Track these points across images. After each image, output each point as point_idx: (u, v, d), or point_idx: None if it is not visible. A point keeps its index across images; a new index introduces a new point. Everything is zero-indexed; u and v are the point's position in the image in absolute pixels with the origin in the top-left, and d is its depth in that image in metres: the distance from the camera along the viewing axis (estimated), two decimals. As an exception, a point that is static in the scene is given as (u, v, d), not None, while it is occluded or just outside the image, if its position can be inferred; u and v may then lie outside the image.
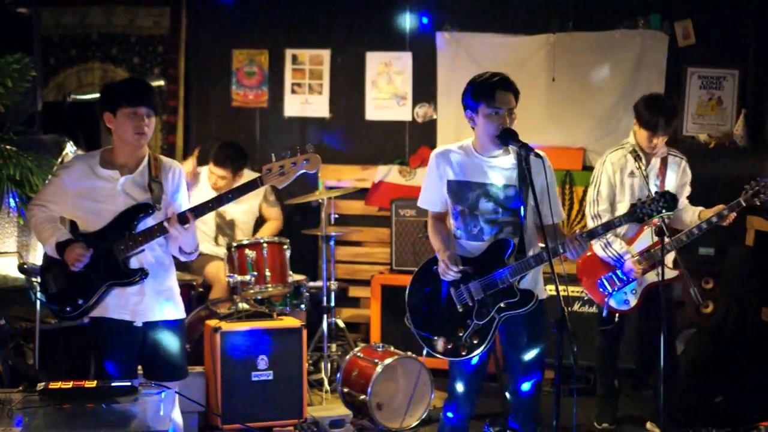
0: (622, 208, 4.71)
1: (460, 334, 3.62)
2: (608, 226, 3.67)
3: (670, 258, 4.66)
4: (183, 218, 3.56)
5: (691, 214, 4.71)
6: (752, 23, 6.14)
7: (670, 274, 4.65)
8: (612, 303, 4.72)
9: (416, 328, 3.72)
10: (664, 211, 3.46)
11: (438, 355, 3.67)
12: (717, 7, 6.18)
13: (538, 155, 3.45)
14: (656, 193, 3.54)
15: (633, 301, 4.71)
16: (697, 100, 6.26)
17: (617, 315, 4.77)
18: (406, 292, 3.77)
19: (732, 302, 5.54)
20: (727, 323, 5.56)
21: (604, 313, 4.75)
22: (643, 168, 4.71)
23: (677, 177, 4.75)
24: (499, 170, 3.63)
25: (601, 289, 4.72)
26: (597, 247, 4.67)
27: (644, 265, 4.60)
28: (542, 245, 3.59)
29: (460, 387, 3.77)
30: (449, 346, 3.63)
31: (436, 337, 3.65)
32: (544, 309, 3.70)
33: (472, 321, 3.60)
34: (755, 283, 5.54)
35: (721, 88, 6.24)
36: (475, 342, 3.59)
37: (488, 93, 3.53)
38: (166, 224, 3.55)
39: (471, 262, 3.62)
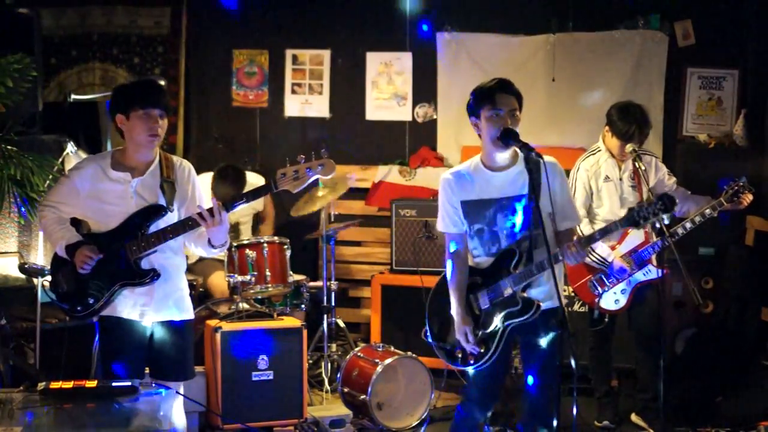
0: (602, 213, 4.80)
1: None
2: (606, 231, 3.58)
3: (653, 256, 4.70)
4: (211, 212, 3.53)
5: (693, 203, 4.76)
6: (752, 23, 6.14)
7: (656, 273, 4.69)
8: (602, 304, 4.75)
9: (433, 340, 3.81)
10: (661, 214, 3.40)
11: (452, 365, 3.75)
12: (717, 7, 6.19)
13: (539, 155, 3.45)
14: (655, 196, 3.52)
15: (623, 301, 4.76)
16: (697, 100, 6.27)
17: (607, 315, 4.81)
18: (426, 306, 3.84)
19: (732, 302, 5.55)
20: (727, 323, 5.56)
21: (595, 314, 4.79)
22: (618, 172, 4.79)
23: (653, 174, 4.79)
24: (510, 182, 3.60)
25: (592, 290, 4.75)
26: None
27: (632, 264, 4.64)
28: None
29: (474, 392, 3.81)
30: (459, 355, 3.69)
31: (449, 348, 3.72)
32: (554, 320, 3.56)
33: (478, 330, 3.63)
34: (755, 283, 5.54)
35: (720, 88, 6.24)
36: (482, 350, 3.62)
37: (488, 96, 3.56)
38: (196, 217, 3.51)
39: (480, 272, 3.65)
